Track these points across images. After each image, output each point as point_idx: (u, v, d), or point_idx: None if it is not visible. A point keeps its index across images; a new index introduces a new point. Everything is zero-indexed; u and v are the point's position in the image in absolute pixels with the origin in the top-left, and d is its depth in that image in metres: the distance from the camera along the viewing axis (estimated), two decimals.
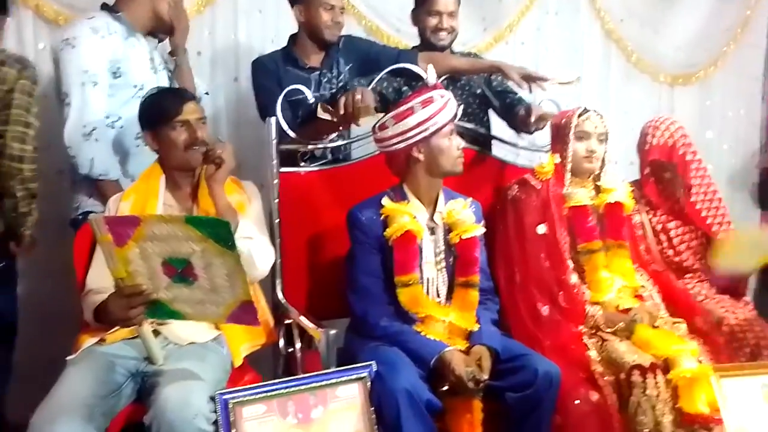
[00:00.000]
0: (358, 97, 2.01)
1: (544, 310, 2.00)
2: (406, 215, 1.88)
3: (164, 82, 2.18)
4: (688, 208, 2.31)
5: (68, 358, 1.62)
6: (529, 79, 2.28)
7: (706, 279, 2.34)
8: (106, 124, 2.11)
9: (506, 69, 2.33)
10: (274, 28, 2.98)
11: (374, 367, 1.67)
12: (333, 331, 1.73)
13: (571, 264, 2.09)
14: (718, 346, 2.01)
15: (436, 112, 1.84)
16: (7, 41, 2.45)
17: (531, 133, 2.46)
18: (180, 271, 1.51)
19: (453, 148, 1.89)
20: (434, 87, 1.88)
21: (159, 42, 2.29)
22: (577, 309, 2.00)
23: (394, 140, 1.88)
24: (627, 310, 2.04)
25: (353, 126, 2.18)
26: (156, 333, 1.71)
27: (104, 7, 2.19)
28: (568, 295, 2.02)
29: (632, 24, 3.82)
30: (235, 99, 3.01)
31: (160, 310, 1.58)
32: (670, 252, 2.35)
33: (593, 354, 1.92)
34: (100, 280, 1.75)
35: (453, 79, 2.51)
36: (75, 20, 2.21)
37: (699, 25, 3.93)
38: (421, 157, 1.88)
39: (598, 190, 2.22)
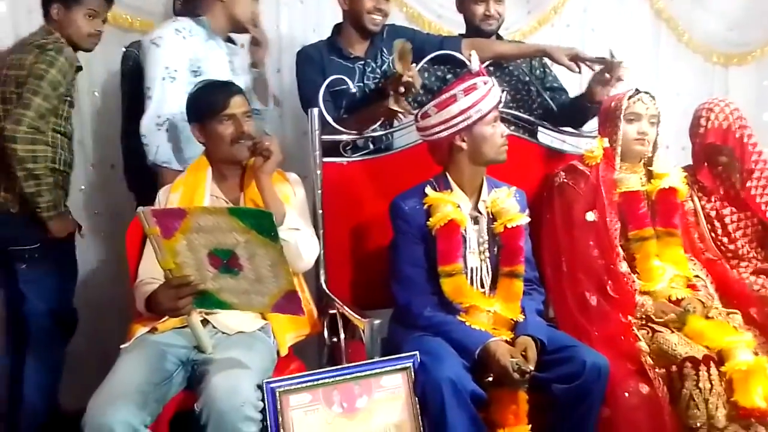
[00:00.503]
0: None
1: (593, 299, 1.96)
2: (450, 204, 1.86)
3: (235, 78, 2.21)
4: (744, 194, 2.21)
5: (122, 346, 1.67)
6: (578, 59, 2.22)
7: (763, 268, 2.24)
8: (182, 119, 2.16)
9: (553, 52, 2.29)
10: (316, 18, 2.99)
11: (418, 357, 1.66)
12: (377, 321, 1.72)
13: (621, 252, 2.04)
14: None
15: (480, 99, 1.81)
16: None
17: (581, 125, 2.40)
18: (225, 261, 1.54)
19: (497, 136, 1.85)
20: (477, 74, 1.85)
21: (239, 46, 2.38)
22: (626, 299, 1.95)
23: (437, 128, 1.86)
24: (679, 301, 1.99)
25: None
26: (205, 322, 1.75)
27: (186, 12, 2.30)
28: (617, 284, 1.97)
29: (682, 3, 3.68)
30: (278, 91, 3.02)
31: (208, 300, 1.61)
32: (725, 240, 2.26)
33: (643, 345, 1.87)
34: (151, 270, 1.79)
35: (499, 66, 2.47)
36: (163, 23, 2.34)
37: (752, 2, 3.75)
38: (464, 145, 1.86)
39: (650, 175, 2.15)
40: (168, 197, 1.94)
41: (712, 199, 2.27)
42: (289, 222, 1.84)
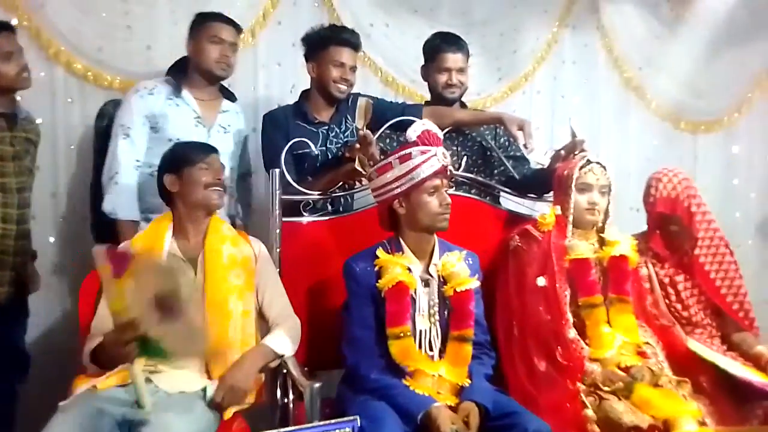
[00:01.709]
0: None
1: (541, 365, 1.97)
2: (399, 266, 1.89)
3: (202, 139, 2.33)
4: (693, 262, 2.25)
5: (60, 404, 1.67)
6: (524, 130, 2.30)
7: (717, 334, 2.26)
8: (144, 172, 2.33)
9: (506, 121, 2.37)
10: (293, 79, 3.08)
11: (358, 422, 1.65)
12: (317, 385, 1.73)
13: (570, 318, 2.06)
14: (726, 407, 1.93)
15: (415, 167, 1.86)
16: (40, 95, 2.64)
17: (542, 194, 2.47)
18: (167, 308, 1.59)
19: (433, 204, 1.89)
20: (414, 143, 1.90)
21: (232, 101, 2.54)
22: (574, 365, 1.96)
23: (376, 193, 1.94)
24: (628, 368, 1.99)
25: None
26: (148, 381, 1.75)
27: (172, 73, 2.45)
28: (565, 350, 1.99)
29: (651, 72, 3.82)
30: (254, 149, 3.10)
31: (151, 348, 1.64)
32: (679, 306, 2.28)
33: (590, 413, 1.86)
34: (103, 326, 1.80)
35: (461, 132, 2.55)
36: None
37: (720, 72, 3.90)
38: (401, 211, 1.91)
39: (602, 242, 2.20)
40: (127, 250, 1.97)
41: (666, 266, 2.31)
42: (276, 342, 1.93)
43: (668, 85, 3.87)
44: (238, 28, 2.48)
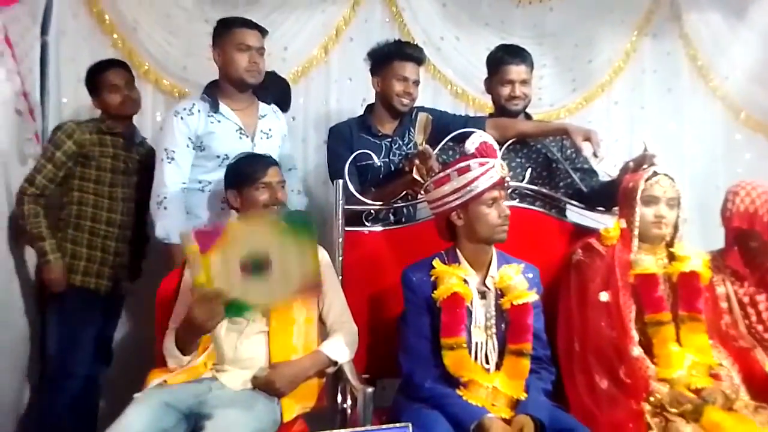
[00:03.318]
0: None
1: (603, 383, 1.91)
2: (455, 277, 1.89)
3: (247, 149, 2.40)
4: None
5: (135, 395, 1.79)
6: (591, 140, 2.25)
7: None
8: (191, 188, 2.41)
9: (571, 131, 2.32)
10: (364, 92, 3.16)
11: (410, 429, 1.67)
12: (369, 389, 1.76)
13: (636, 336, 1.98)
14: None
15: (473, 179, 1.87)
16: None
17: (610, 207, 2.38)
18: (255, 265, 1.71)
19: (492, 216, 1.88)
20: (473, 155, 1.90)
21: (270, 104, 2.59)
22: (639, 384, 1.89)
23: (434, 204, 1.95)
24: (699, 390, 1.90)
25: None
26: (213, 379, 1.86)
27: (208, 89, 2.51)
28: (629, 369, 1.91)
29: (739, 80, 3.62)
30: (326, 162, 3.20)
31: (235, 307, 1.75)
32: (760, 327, 2.14)
33: None
34: (182, 317, 1.91)
35: (526, 144, 2.53)
36: None
37: None
38: (460, 222, 1.91)
39: (672, 257, 2.11)
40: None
41: (745, 285, 2.18)
42: (332, 349, 1.98)
43: (759, 94, 3.64)
44: (263, 31, 2.44)
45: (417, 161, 2.11)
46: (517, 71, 2.50)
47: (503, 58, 2.53)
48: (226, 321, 1.92)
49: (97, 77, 2.54)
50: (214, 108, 2.43)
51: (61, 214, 2.51)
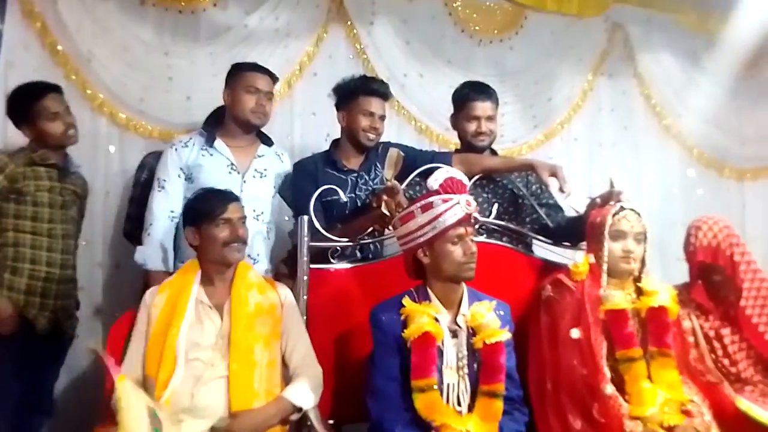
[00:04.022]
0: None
1: (577, 423, 1.87)
2: (426, 316, 1.84)
3: (236, 185, 2.37)
4: (739, 314, 2.13)
5: None
6: (557, 176, 2.26)
7: None
8: (168, 224, 2.38)
9: (537, 167, 2.33)
10: (328, 128, 3.13)
11: None
12: None
13: (608, 373, 1.96)
14: None
15: (437, 216, 1.83)
16: (83, 144, 2.76)
17: (576, 243, 2.39)
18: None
19: (458, 253, 1.84)
20: (437, 192, 1.87)
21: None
22: (612, 423, 1.86)
23: (401, 241, 1.91)
24: (672, 428, 1.88)
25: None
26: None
27: (209, 121, 2.53)
28: (603, 407, 1.89)
29: (691, 119, 3.75)
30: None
31: None
32: (726, 361, 2.15)
33: None
34: (134, 367, 1.86)
35: (492, 179, 2.52)
36: None
37: (765, 117, 3.79)
38: (426, 260, 1.87)
39: (640, 292, 2.10)
40: (154, 299, 1.99)
41: (710, 319, 2.20)
42: (296, 395, 1.89)
43: (710, 132, 3.78)
44: (273, 77, 2.53)
45: (385, 197, 2.07)
46: (482, 107, 2.51)
47: (469, 95, 2.54)
48: (182, 366, 1.82)
49: (31, 104, 2.35)
50: (209, 142, 2.46)
51: None
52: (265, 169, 2.51)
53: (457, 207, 1.84)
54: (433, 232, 1.84)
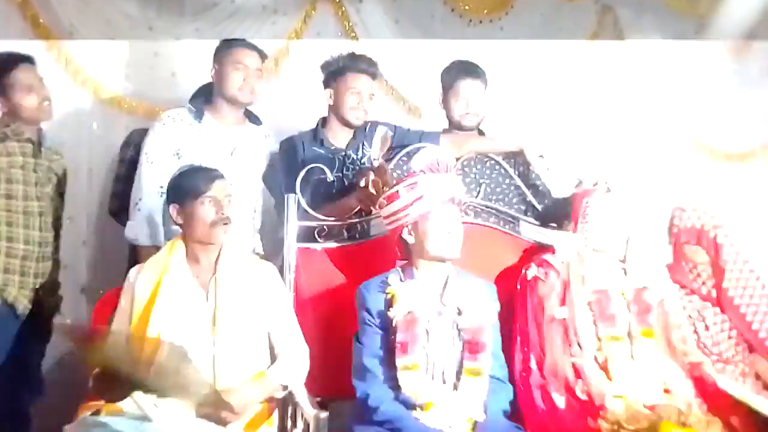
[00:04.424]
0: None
1: (560, 401, 1.88)
2: (411, 295, 1.85)
3: (224, 161, 2.33)
4: (722, 296, 2.15)
5: (65, 427, 1.65)
6: (542, 156, 2.27)
7: (750, 372, 2.15)
8: (157, 200, 2.33)
9: (524, 147, 2.32)
10: (316, 106, 3.07)
11: None
12: (323, 414, 1.68)
13: (592, 352, 1.97)
14: None
15: (420, 197, 1.83)
16: (67, 121, 2.72)
17: (563, 223, 2.38)
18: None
19: (442, 233, 1.85)
20: (422, 172, 1.87)
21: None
22: (595, 401, 1.87)
23: (386, 220, 1.92)
24: (654, 406, 1.89)
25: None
26: (155, 406, 1.72)
27: (197, 97, 2.49)
28: (586, 385, 1.90)
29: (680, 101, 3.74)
30: None
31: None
32: (708, 342, 2.18)
33: None
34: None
35: (480, 160, 2.51)
36: None
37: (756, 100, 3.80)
38: (411, 239, 1.88)
39: (625, 273, 2.12)
40: (137, 277, 1.97)
41: (693, 300, 2.21)
42: (280, 373, 1.89)
43: (699, 114, 3.79)
44: (262, 54, 2.47)
45: (372, 176, 2.06)
46: (470, 86, 2.48)
47: (457, 74, 2.51)
48: (167, 343, 1.81)
49: (2, 76, 2.24)
50: (198, 118, 2.41)
51: None
52: (253, 147, 2.48)
53: (442, 187, 1.84)
54: (418, 212, 1.84)
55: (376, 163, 2.14)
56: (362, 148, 2.46)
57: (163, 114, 2.48)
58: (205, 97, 2.48)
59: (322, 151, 2.43)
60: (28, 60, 2.31)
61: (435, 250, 1.86)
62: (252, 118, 2.55)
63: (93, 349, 1.62)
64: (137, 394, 1.66)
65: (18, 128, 2.28)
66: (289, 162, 2.40)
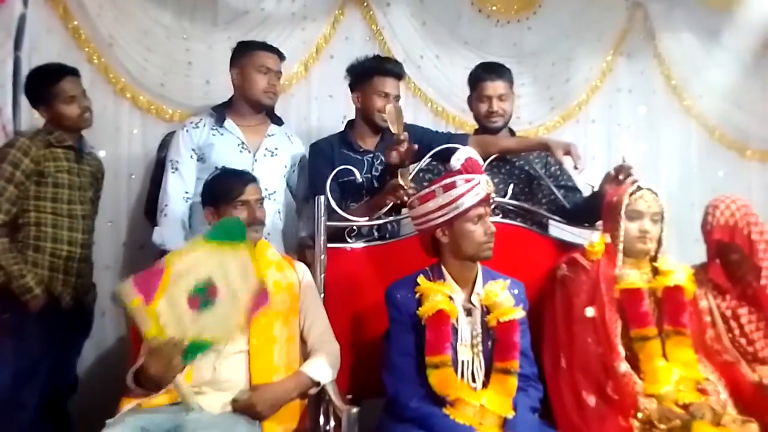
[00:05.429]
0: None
1: (590, 399, 1.88)
2: (440, 294, 1.86)
3: (247, 164, 2.40)
4: (759, 293, 2.12)
5: (107, 421, 1.72)
6: (571, 154, 2.27)
7: None
8: (195, 202, 2.38)
9: (552, 145, 2.33)
10: (345, 110, 3.14)
11: None
12: (354, 410, 1.71)
13: (622, 351, 1.96)
14: None
15: (459, 196, 1.84)
16: (107, 127, 2.81)
17: (593, 223, 2.38)
18: (203, 296, 1.66)
19: (478, 233, 1.86)
20: (458, 172, 1.88)
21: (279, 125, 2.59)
22: (626, 400, 1.87)
23: (419, 221, 1.92)
24: (687, 405, 1.88)
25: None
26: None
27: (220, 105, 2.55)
28: (617, 384, 1.90)
29: (712, 99, 3.69)
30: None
31: (194, 349, 1.67)
32: (743, 341, 2.15)
33: None
34: None
35: (508, 160, 2.53)
36: None
37: None
38: (444, 239, 1.88)
39: (656, 272, 2.10)
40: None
41: (727, 298, 2.19)
42: (313, 370, 1.93)
43: (732, 112, 3.72)
44: (281, 56, 2.53)
45: (397, 149, 2.10)
46: (493, 87, 2.51)
47: (481, 75, 2.55)
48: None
49: (48, 86, 2.39)
50: (220, 122, 2.47)
51: (19, 236, 2.34)
52: (276, 148, 2.52)
53: (478, 187, 1.86)
54: (455, 212, 1.84)
55: (398, 136, 2.15)
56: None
57: (186, 120, 2.55)
58: (223, 103, 2.53)
59: (350, 153, 2.47)
60: (73, 72, 2.46)
61: (470, 250, 1.87)
62: (274, 118, 2.59)
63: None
64: (180, 381, 1.71)
65: (60, 136, 2.42)
66: (318, 165, 2.43)
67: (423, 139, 2.47)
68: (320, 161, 2.44)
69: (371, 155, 2.48)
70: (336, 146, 2.49)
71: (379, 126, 2.48)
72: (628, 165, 2.22)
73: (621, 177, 2.23)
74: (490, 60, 3.04)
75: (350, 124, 2.58)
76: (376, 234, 2.37)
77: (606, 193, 2.25)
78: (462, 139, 2.46)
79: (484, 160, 2.29)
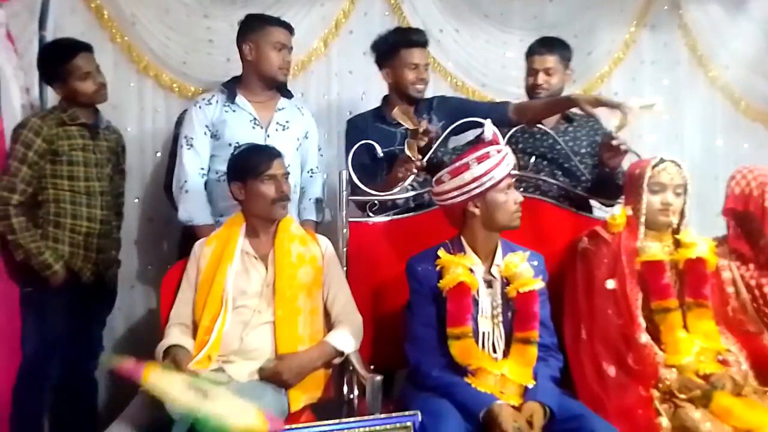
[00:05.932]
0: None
1: (611, 370, 1.90)
2: (461, 267, 1.88)
3: (260, 139, 2.41)
4: None
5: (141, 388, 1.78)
6: (600, 104, 2.25)
7: None
8: (211, 178, 2.42)
9: (579, 100, 2.30)
10: (364, 86, 3.16)
11: (419, 417, 1.66)
12: (378, 378, 1.75)
13: (642, 322, 1.98)
14: None
15: (493, 167, 1.86)
16: (132, 105, 2.83)
17: (614, 198, 2.38)
18: None
19: (510, 203, 1.88)
20: (491, 142, 1.89)
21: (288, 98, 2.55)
22: (647, 371, 1.88)
23: (451, 194, 1.91)
24: (708, 376, 1.89)
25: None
26: (220, 370, 1.85)
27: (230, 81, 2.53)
28: (637, 355, 1.91)
29: (738, 70, 3.61)
30: (333, 155, 3.16)
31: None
32: (767, 310, 2.13)
33: (664, 421, 1.79)
34: (180, 315, 2.00)
35: (526, 131, 2.52)
36: None
37: None
38: (477, 211, 1.90)
39: (678, 244, 2.10)
40: (203, 250, 2.08)
41: (750, 267, 2.16)
42: (338, 340, 1.98)
43: (759, 83, 3.64)
44: (291, 30, 2.49)
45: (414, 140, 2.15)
46: (540, 60, 2.53)
47: (532, 48, 2.58)
48: (231, 312, 1.92)
49: (63, 63, 2.37)
50: (231, 98, 2.45)
51: (39, 212, 2.38)
52: (287, 122, 2.50)
53: (508, 156, 1.89)
54: (491, 182, 1.86)
55: (413, 127, 2.19)
56: (428, 122, 2.48)
57: (198, 97, 2.54)
58: (233, 79, 2.51)
59: (385, 127, 2.49)
60: (86, 48, 2.45)
61: (503, 220, 1.89)
62: (284, 92, 2.56)
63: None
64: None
65: (74, 113, 2.43)
66: (353, 140, 2.42)
67: (464, 109, 2.47)
68: (354, 136, 2.47)
69: (405, 128, 2.48)
70: (370, 120, 2.52)
71: (413, 98, 2.50)
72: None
73: (614, 143, 2.23)
74: (511, 34, 3.02)
75: (386, 99, 2.60)
76: (397, 207, 2.38)
77: (601, 160, 2.30)
78: (503, 107, 2.47)
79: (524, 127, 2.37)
